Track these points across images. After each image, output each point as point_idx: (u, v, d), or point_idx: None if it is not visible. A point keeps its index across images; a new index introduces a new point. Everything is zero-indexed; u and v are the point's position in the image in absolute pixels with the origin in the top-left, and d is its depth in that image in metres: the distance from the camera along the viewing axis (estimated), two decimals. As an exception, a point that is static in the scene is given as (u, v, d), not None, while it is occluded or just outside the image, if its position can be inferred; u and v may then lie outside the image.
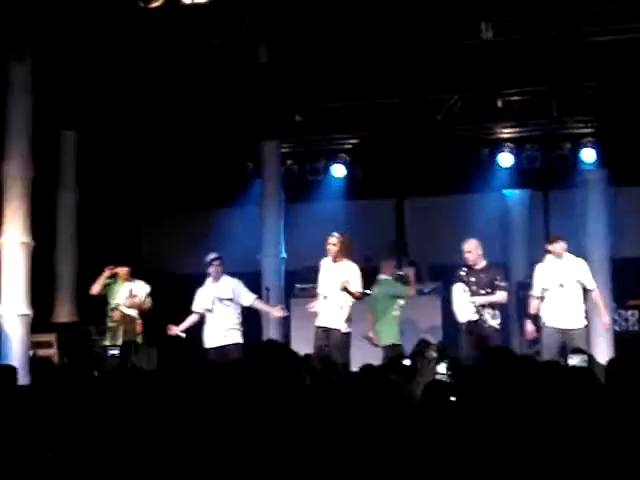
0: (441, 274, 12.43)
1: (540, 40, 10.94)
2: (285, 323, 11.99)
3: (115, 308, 10.51)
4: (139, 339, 10.46)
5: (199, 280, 11.02)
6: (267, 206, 12.63)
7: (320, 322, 9.75)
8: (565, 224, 12.50)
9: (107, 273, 10.49)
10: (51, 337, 10.33)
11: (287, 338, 11.84)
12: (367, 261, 12.30)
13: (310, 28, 11.24)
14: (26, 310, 9.97)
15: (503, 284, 9.52)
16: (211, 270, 10.25)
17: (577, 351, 6.12)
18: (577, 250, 11.88)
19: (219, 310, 10.12)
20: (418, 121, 12.44)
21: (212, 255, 10.41)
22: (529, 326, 9.47)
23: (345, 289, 9.60)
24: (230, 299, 10.07)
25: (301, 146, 13.29)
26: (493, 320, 9.34)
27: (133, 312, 10.55)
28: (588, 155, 12.10)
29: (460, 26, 10.83)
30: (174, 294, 11.37)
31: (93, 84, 11.37)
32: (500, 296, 9.43)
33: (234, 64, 11.74)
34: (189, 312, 10.43)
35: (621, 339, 11.13)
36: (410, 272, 11.12)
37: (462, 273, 9.51)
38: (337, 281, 9.68)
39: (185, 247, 13.28)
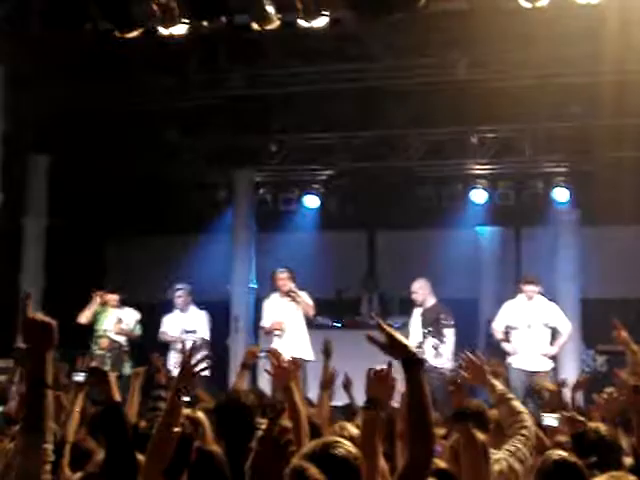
0: (411, 309, 12.40)
1: (515, 79, 11.02)
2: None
3: (102, 335, 10.28)
4: (127, 368, 9.96)
5: (168, 308, 10.93)
6: (238, 235, 12.57)
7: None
8: (536, 262, 12.54)
9: (97, 300, 10.21)
10: (9, 363, 10.08)
11: (254, 369, 11.74)
12: (338, 294, 12.28)
13: (284, 58, 11.26)
14: (-12, 336, 9.80)
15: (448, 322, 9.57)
16: (178, 300, 10.22)
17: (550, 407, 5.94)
18: (547, 289, 11.95)
19: (187, 342, 10.04)
20: (393, 154, 12.44)
21: (179, 285, 10.37)
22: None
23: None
24: (196, 331, 10.02)
25: (275, 176, 13.23)
26: (436, 359, 9.36)
27: (121, 339, 10.33)
28: (561, 195, 12.13)
29: (436, 63, 10.88)
30: (143, 322, 11.26)
31: (65, 107, 11.26)
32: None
33: (212, 92, 11.73)
34: (152, 340, 10.33)
35: (589, 380, 11.07)
36: None
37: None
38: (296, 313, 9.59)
39: (155, 274, 13.15)
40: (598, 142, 11.63)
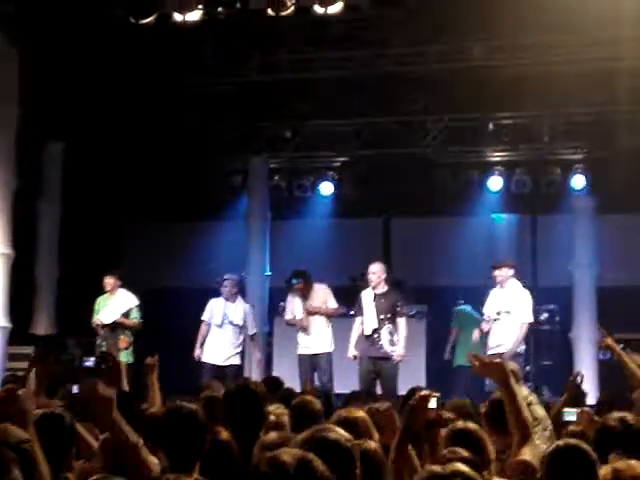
0: (426, 297, 12.34)
1: (532, 65, 10.92)
2: (268, 341, 11.92)
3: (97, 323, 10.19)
4: (124, 355, 9.77)
5: (180, 293, 10.92)
6: (253, 222, 12.53)
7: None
8: (552, 250, 12.46)
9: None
10: (29, 349, 10.11)
11: (269, 356, 11.75)
12: (352, 281, 12.23)
13: (299, 45, 11.20)
14: (4, 322, 9.83)
15: (404, 310, 9.54)
16: (223, 290, 10.29)
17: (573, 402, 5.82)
18: (563, 277, 11.85)
19: (227, 330, 10.17)
20: (409, 141, 12.36)
21: (226, 275, 10.42)
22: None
23: None
24: (240, 325, 10.18)
25: (289, 162, 13.17)
26: (390, 346, 9.33)
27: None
28: (578, 182, 12.03)
29: (452, 49, 10.79)
30: (155, 308, 11.25)
31: (81, 94, 11.25)
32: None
33: (226, 78, 11.69)
34: (170, 325, 10.31)
35: (605, 368, 11.03)
36: None
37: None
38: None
39: (169, 261, 13.15)
40: (616, 129, 11.53)
